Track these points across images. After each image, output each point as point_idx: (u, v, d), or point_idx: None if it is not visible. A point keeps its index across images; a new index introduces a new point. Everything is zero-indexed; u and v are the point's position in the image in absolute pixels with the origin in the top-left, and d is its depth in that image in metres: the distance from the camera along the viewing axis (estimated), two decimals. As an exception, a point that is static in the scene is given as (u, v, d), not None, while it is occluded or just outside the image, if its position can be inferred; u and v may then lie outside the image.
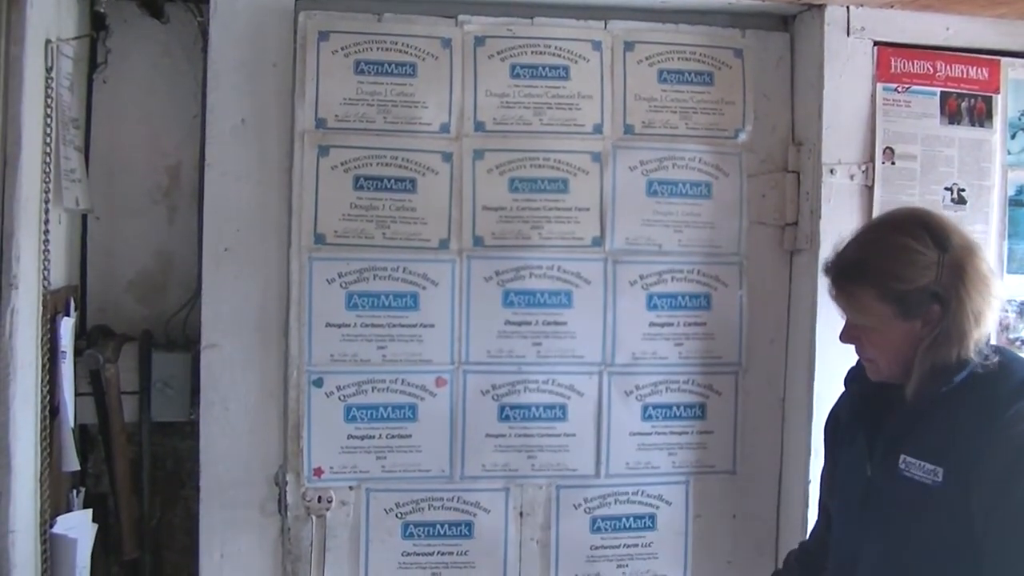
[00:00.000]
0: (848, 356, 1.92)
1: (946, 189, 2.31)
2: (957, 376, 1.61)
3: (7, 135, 1.80)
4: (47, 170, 1.95)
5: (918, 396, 1.66)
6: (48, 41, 1.94)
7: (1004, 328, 2.35)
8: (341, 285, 2.18)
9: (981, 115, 2.32)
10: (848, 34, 2.26)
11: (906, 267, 1.61)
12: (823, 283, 2.15)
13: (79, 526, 2.06)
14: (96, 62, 2.29)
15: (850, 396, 1.89)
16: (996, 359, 1.62)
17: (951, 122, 2.31)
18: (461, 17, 2.23)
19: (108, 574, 2.30)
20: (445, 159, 2.21)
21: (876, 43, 2.28)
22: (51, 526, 1.97)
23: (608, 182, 2.26)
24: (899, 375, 1.70)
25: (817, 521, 2.07)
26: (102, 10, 2.22)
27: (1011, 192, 2.35)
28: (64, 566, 1.99)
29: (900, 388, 1.73)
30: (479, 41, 2.23)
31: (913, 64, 2.30)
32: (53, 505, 1.99)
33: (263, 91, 2.18)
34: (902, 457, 1.66)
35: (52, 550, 1.97)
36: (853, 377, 1.90)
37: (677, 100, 2.29)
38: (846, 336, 1.74)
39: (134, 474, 2.28)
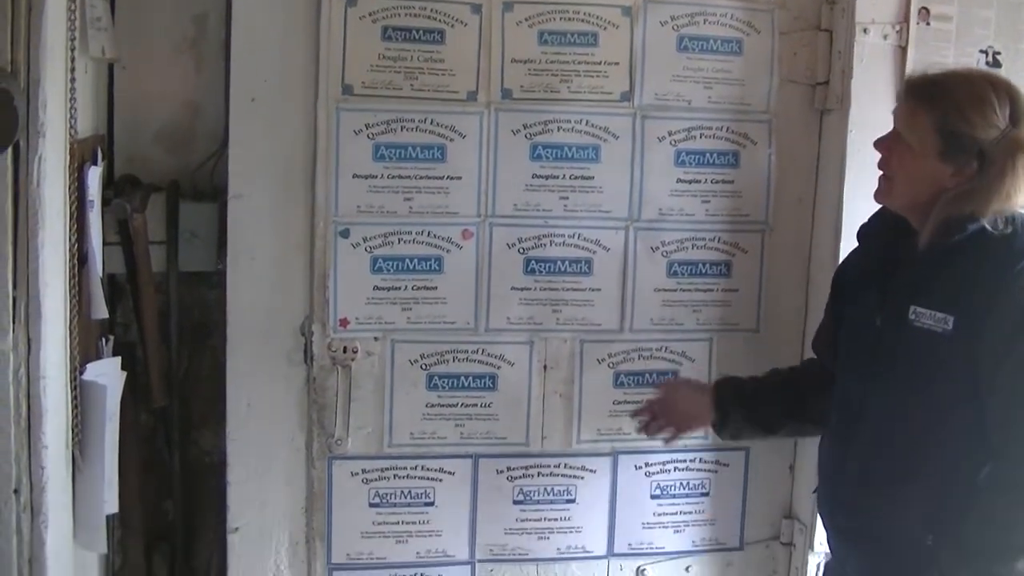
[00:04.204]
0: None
1: (981, 52, 2.27)
2: (970, 226, 1.65)
3: (32, -19, 1.78)
4: (72, 18, 1.92)
5: (930, 246, 1.68)
6: None
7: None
8: (368, 136, 2.17)
9: (1021, -25, 2.28)
10: None
11: (975, 113, 1.65)
12: (852, 143, 2.19)
13: (109, 373, 2.07)
14: (121, -93, 2.25)
15: (863, 251, 1.90)
16: (1009, 228, 1.67)
17: (990, -18, 2.27)
18: None
19: (137, 421, 2.33)
20: (474, 11, 2.18)
21: (916, -102, 2.22)
22: (81, 372, 1.98)
23: (638, 36, 2.23)
24: (906, 206, 1.75)
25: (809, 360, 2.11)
26: None
27: (1048, 55, 2.31)
28: (95, 411, 2.00)
29: (910, 243, 1.74)
30: None
31: (953, -80, 2.25)
32: (83, 352, 2.00)
33: (290, -61, 2.14)
34: (912, 308, 1.69)
35: (82, 396, 1.98)
36: (865, 232, 1.91)
37: (710, -47, 2.25)
38: (882, 144, 1.76)
39: (162, 323, 2.30)
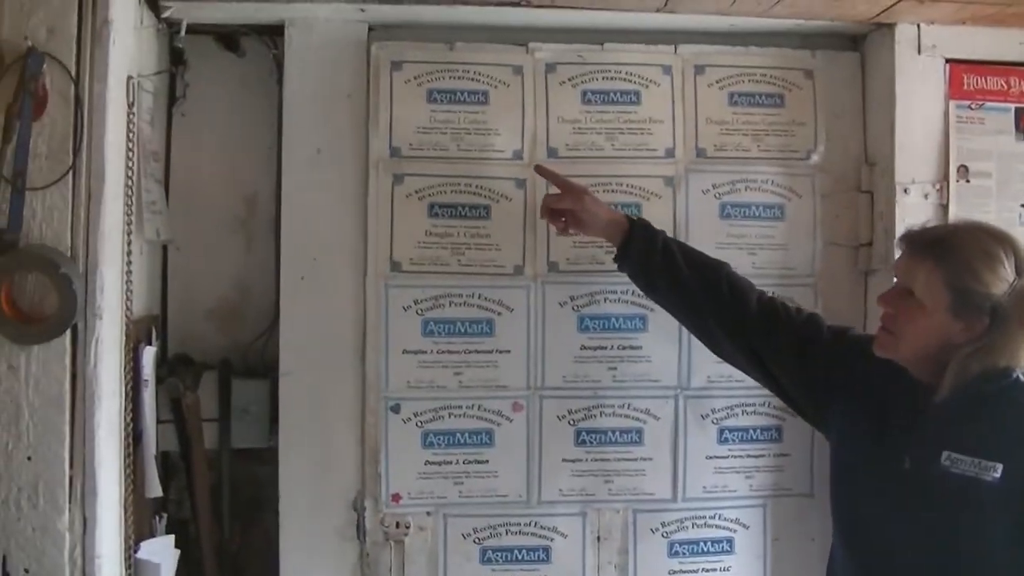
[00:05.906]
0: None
1: (1022, 206, 2.28)
2: (1009, 378, 1.67)
3: (91, 170, 1.84)
4: (129, 203, 1.99)
5: (957, 395, 1.67)
6: (129, 77, 1.97)
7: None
8: (417, 312, 2.21)
9: (1056, 130, 2.30)
10: (919, 52, 2.25)
11: (984, 270, 1.65)
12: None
13: (162, 551, 2.09)
14: (175, 96, 2.33)
15: (884, 377, 1.82)
16: None
17: (1026, 138, 2.29)
18: (532, 44, 2.26)
19: (191, 599, 2.33)
20: (518, 185, 2.23)
21: (948, 60, 2.26)
22: (135, 551, 2.00)
23: (681, 206, 2.27)
24: (909, 359, 1.75)
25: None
26: (180, 46, 2.26)
27: (1087, 208, 2.32)
28: (148, 591, 2.02)
29: (919, 387, 1.74)
30: (550, 68, 2.26)
31: (986, 80, 2.28)
32: (137, 531, 2.02)
33: (338, 121, 2.21)
34: (945, 454, 1.68)
35: (137, 575, 1.99)
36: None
37: (748, 122, 2.30)
38: (887, 300, 1.76)
39: (215, 500, 2.31)
